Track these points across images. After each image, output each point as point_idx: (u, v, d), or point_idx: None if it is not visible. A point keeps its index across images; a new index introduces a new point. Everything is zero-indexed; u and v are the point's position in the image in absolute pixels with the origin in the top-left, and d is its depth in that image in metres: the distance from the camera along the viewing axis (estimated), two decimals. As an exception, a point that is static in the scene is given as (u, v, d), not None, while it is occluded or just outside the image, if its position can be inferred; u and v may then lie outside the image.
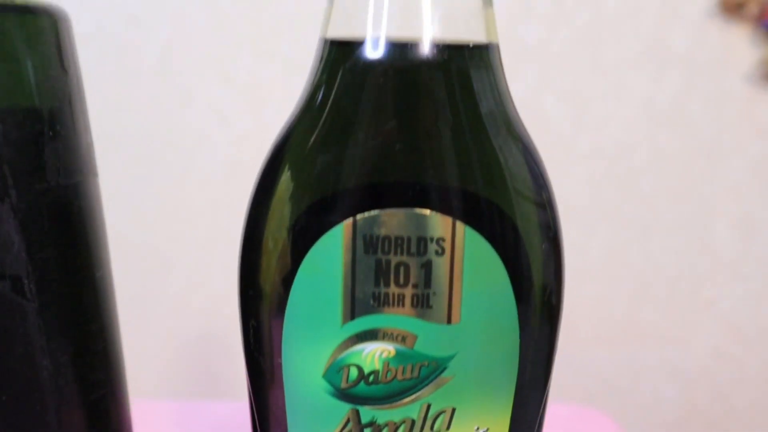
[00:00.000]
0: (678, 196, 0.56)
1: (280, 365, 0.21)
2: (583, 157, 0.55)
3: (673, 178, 0.56)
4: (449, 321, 0.20)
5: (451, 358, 0.20)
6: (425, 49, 0.19)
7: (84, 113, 0.25)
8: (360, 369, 0.20)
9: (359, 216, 0.19)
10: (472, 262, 0.19)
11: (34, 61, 0.23)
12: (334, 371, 0.20)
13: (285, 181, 0.21)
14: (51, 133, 0.23)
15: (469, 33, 0.20)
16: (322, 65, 0.21)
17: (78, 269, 0.24)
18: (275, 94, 0.53)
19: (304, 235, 0.20)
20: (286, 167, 0.20)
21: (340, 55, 0.20)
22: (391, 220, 0.19)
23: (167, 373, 0.58)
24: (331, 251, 0.19)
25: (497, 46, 0.20)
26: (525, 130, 0.21)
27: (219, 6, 0.52)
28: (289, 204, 0.20)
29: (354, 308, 0.20)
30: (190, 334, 0.57)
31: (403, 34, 0.19)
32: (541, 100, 0.54)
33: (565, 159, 0.55)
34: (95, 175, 0.25)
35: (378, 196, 0.19)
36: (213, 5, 0.52)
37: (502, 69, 0.21)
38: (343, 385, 0.20)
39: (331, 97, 0.20)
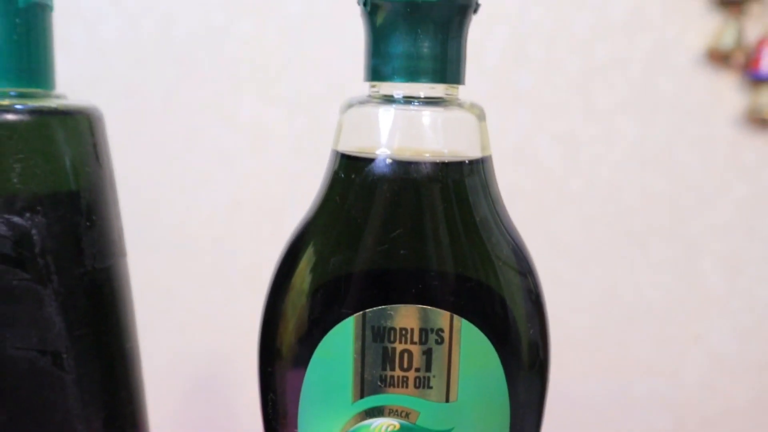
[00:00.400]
0: (667, 234, 0.59)
1: (296, 436, 0.24)
2: (576, 196, 0.58)
3: (662, 218, 0.59)
4: (447, 399, 0.23)
5: (449, 431, 0.23)
6: (427, 167, 0.22)
7: (116, 201, 0.28)
8: (369, 441, 0.23)
9: (369, 310, 0.22)
10: (468, 349, 0.23)
11: (73, 158, 0.26)
12: (345, 443, 0.24)
13: (300, 276, 0.24)
14: (88, 223, 0.26)
15: (466, 149, 0.23)
16: (333, 175, 0.24)
17: (110, 343, 0.27)
18: (277, 135, 0.56)
19: (319, 323, 0.23)
20: (302, 264, 0.24)
21: (350, 168, 0.23)
22: (397, 314, 0.22)
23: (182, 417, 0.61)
24: (343, 339, 0.23)
25: (490, 157, 0.24)
26: (512, 225, 0.24)
27: (224, 49, 0.55)
28: (305, 296, 0.24)
29: (363, 388, 0.23)
30: (197, 374, 0.60)
31: (406, 152, 0.23)
32: (535, 143, 0.57)
33: (559, 198, 0.58)
34: (124, 255, 0.28)
35: (385, 293, 0.22)
36: (218, 49, 0.55)
37: (494, 176, 0.24)
38: (354, 455, 0.24)
39: (343, 205, 0.23)
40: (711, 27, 0.57)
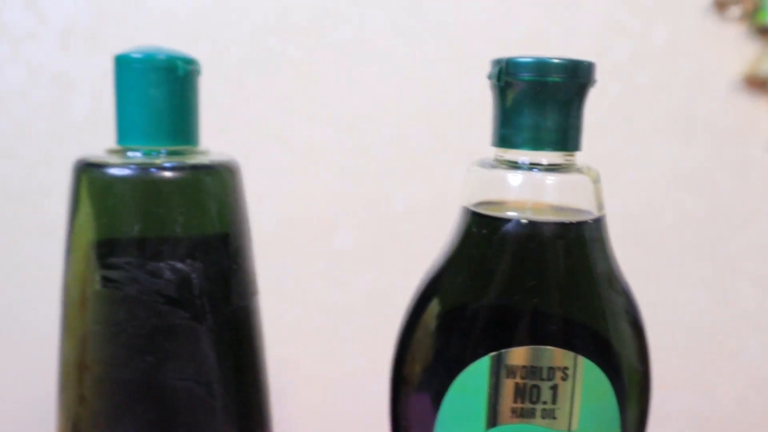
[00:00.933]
0: (702, 254, 0.64)
1: (429, 460, 0.29)
2: (615, 216, 0.63)
3: (699, 238, 0.64)
4: (570, 428, 0.27)
5: (568, 455, 0.28)
6: (552, 226, 0.27)
7: (251, 244, 0.32)
8: (497, 464, 0.28)
9: (503, 350, 0.27)
10: (588, 384, 0.27)
11: (222, 208, 0.30)
12: (476, 466, 0.28)
13: (436, 318, 0.28)
14: (235, 266, 0.30)
15: (584, 209, 0.28)
16: (467, 230, 0.28)
17: (249, 372, 0.32)
18: (326, 155, 0.60)
19: (456, 361, 0.27)
20: (437, 307, 0.28)
21: (483, 225, 0.28)
22: (528, 354, 0.27)
23: None
24: (479, 375, 0.27)
25: (605, 216, 0.28)
26: (623, 276, 0.29)
27: (276, 73, 0.59)
28: (442, 336, 0.28)
29: (495, 418, 0.27)
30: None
31: (533, 212, 0.27)
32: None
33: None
34: (258, 293, 0.32)
35: (517, 335, 0.27)
36: (271, 72, 0.59)
37: (608, 233, 0.28)
38: (484, 476, 0.28)
39: (477, 257, 0.27)
40: (749, 54, 0.62)
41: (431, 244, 0.57)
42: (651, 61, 0.61)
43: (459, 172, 0.58)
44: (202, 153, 0.31)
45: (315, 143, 0.61)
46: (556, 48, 0.59)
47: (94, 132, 0.58)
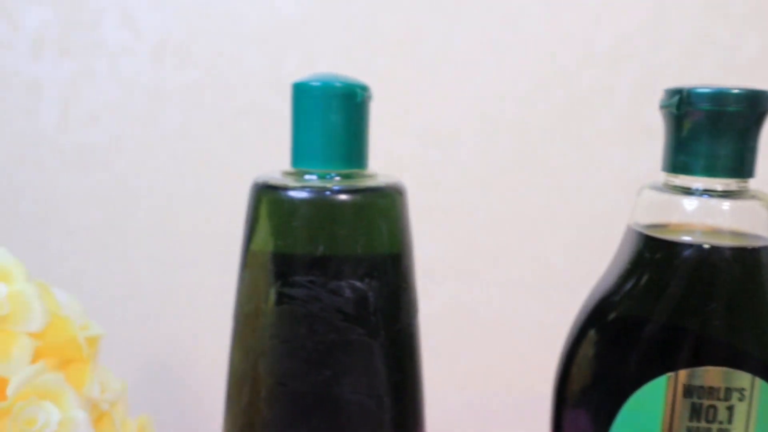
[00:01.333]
0: None
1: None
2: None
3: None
4: (743, 448, 0.29)
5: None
6: (729, 252, 0.28)
7: (414, 263, 0.33)
8: (670, 481, 0.29)
9: (681, 371, 0.28)
10: (764, 406, 0.28)
11: (394, 228, 0.32)
12: (648, 481, 0.29)
13: (608, 337, 0.29)
14: (404, 285, 0.32)
15: (759, 234, 0.29)
16: (638, 254, 0.29)
17: (412, 387, 0.33)
18: (410, 167, 0.61)
19: (632, 380, 0.29)
20: (606, 328, 0.29)
21: (656, 249, 0.29)
22: (707, 375, 0.28)
23: None
24: (656, 394, 0.28)
25: (775, 242, 0.29)
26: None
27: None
28: (606, 354, 0.29)
29: (670, 436, 0.29)
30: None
31: (708, 237, 0.28)
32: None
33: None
34: (418, 311, 0.34)
35: (694, 356, 0.28)
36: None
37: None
38: (655, 492, 0.29)
39: (652, 280, 0.29)
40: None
41: (513, 254, 0.58)
42: (739, 73, 0.61)
43: (547, 184, 0.59)
44: (371, 176, 0.32)
45: (399, 155, 0.62)
46: (641, 56, 0.59)
47: (184, 144, 0.59)
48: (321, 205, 0.30)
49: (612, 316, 0.30)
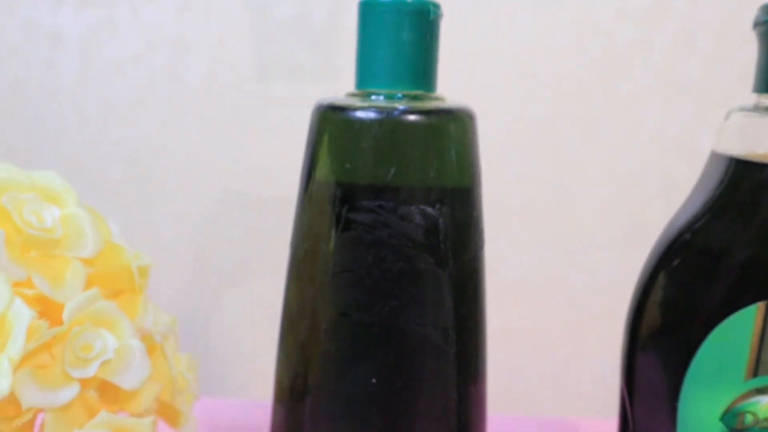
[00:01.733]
0: None
1: (676, 407, 0.29)
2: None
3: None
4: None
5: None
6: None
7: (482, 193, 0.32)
8: (755, 415, 0.28)
9: (773, 299, 0.27)
10: None
11: (465, 154, 0.30)
12: (731, 416, 0.28)
13: (686, 267, 0.28)
14: (475, 213, 0.30)
15: None
16: (728, 178, 0.28)
17: (476, 321, 0.32)
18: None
19: (719, 310, 0.27)
20: (693, 257, 0.28)
21: (746, 172, 0.28)
22: (800, 303, 0.27)
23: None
24: (744, 324, 0.27)
25: None
26: None
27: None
28: (691, 285, 0.28)
29: (758, 368, 0.27)
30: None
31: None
32: (699, 133, 0.61)
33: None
34: (484, 243, 0.32)
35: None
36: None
37: None
38: (739, 426, 0.28)
39: (744, 205, 0.27)
40: None
41: (545, 212, 0.55)
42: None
43: (582, 140, 0.57)
44: (440, 99, 0.31)
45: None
46: (679, 12, 0.57)
47: (209, 99, 0.58)
48: (392, 125, 0.29)
49: (698, 243, 0.28)
